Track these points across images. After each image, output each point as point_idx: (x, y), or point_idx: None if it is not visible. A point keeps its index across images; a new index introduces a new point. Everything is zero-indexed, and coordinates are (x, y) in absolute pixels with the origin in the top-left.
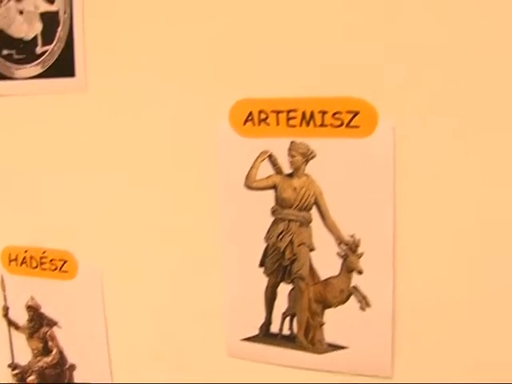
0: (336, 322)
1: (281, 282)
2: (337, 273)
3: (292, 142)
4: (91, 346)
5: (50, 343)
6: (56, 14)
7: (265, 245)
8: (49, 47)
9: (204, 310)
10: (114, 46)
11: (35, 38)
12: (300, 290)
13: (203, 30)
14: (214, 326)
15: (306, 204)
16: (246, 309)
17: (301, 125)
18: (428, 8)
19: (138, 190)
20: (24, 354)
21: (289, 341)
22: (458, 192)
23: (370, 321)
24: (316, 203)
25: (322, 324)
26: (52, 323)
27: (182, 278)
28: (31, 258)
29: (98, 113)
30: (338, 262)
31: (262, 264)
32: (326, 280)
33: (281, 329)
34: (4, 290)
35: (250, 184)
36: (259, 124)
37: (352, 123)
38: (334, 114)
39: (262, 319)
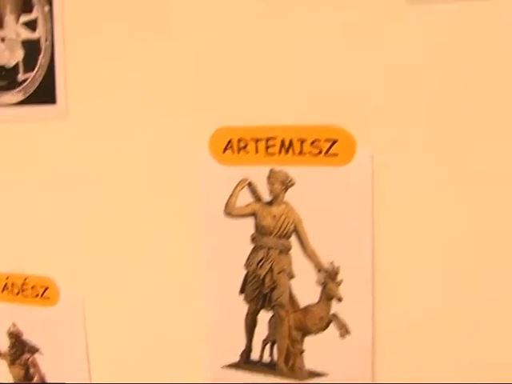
0: (316, 349)
1: (261, 309)
2: (316, 300)
3: (271, 170)
4: (73, 372)
5: (31, 370)
6: (37, 41)
7: (245, 272)
8: (30, 74)
9: (185, 337)
10: (95, 73)
11: (17, 65)
12: (280, 317)
13: (183, 58)
14: (195, 353)
15: (285, 231)
16: (227, 336)
17: (280, 153)
18: (405, 38)
19: (119, 217)
20: (6, 381)
21: (269, 368)
22: (435, 219)
23: (350, 348)
24: (295, 231)
25: (302, 351)
26: (34, 350)
27: (163, 305)
28: (13, 284)
29: (78, 140)
30: (318, 289)
31: (242, 291)
32: (306, 307)
33: (261, 356)
34: None
35: (229, 212)
36: (239, 152)
37: (330, 151)
38: (313, 142)
39: (242, 346)
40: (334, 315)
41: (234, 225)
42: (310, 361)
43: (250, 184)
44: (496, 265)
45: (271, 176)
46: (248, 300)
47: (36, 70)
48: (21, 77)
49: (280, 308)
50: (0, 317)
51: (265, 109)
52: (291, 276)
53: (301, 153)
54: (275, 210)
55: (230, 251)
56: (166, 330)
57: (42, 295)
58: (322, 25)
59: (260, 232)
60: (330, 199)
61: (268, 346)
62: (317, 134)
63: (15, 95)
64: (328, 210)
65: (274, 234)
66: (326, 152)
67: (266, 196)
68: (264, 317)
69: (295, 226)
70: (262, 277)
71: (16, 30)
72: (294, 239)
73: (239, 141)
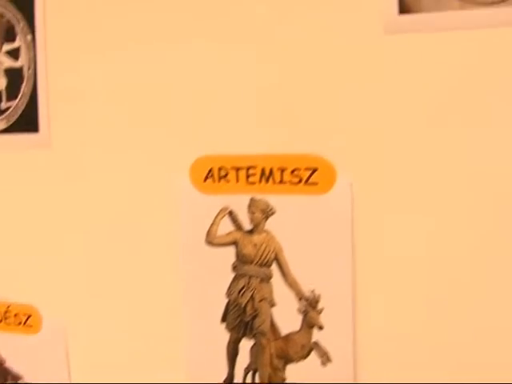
0: (297, 378)
1: (242, 337)
2: (298, 328)
3: (252, 199)
4: None
5: None
6: (20, 70)
7: (226, 300)
8: (13, 103)
9: (166, 366)
10: (78, 101)
11: None
12: (261, 345)
13: (164, 87)
14: (177, 381)
15: (266, 260)
16: (209, 364)
17: (260, 181)
18: (383, 67)
19: (101, 245)
20: None
21: None
22: (414, 246)
23: (332, 376)
24: (276, 259)
25: (283, 379)
26: (17, 377)
27: (145, 333)
28: None
29: (61, 168)
30: (299, 317)
31: (223, 319)
32: (287, 335)
33: None
34: None
35: (210, 240)
36: (219, 181)
37: (310, 180)
38: (293, 170)
39: (224, 374)
40: (316, 343)
41: (215, 253)
42: None
43: (230, 213)
44: (475, 290)
45: (252, 205)
46: (230, 328)
47: (19, 98)
48: (3, 105)
49: (261, 336)
50: None
51: (245, 138)
52: (272, 304)
53: (281, 181)
54: (256, 238)
55: (212, 280)
56: (147, 358)
57: (24, 323)
58: (301, 54)
59: (241, 260)
60: (311, 228)
61: (250, 374)
62: (297, 163)
63: None
64: (308, 238)
65: (255, 262)
66: (306, 181)
67: (247, 224)
68: (246, 345)
69: (276, 255)
70: (243, 305)
71: None
72: (275, 267)
73: (220, 169)
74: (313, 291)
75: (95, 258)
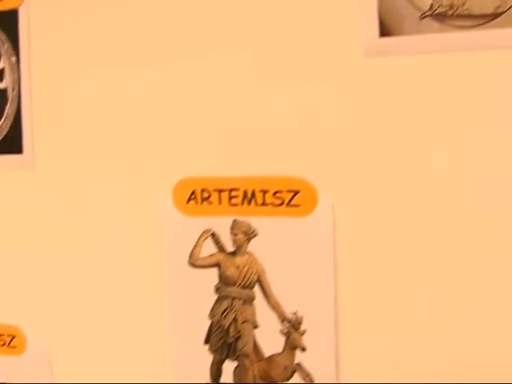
0: None
1: (226, 358)
2: (280, 350)
3: (234, 221)
4: None
5: None
6: (4, 91)
7: (209, 322)
8: None
9: None
10: (62, 123)
11: None
12: (245, 367)
13: (147, 109)
14: None
15: (248, 282)
16: None
17: (242, 203)
18: (363, 90)
19: (84, 267)
20: None
21: None
22: (396, 268)
23: None
24: (259, 281)
25: None
26: None
27: (128, 355)
28: None
29: (45, 190)
30: (282, 339)
31: (207, 341)
32: (270, 357)
33: None
34: None
35: (193, 262)
36: (202, 203)
37: (292, 202)
38: (275, 192)
39: None
40: (298, 365)
41: (198, 275)
42: None
43: (213, 234)
44: (458, 312)
45: (234, 226)
46: (213, 350)
47: (3, 119)
48: None
49: (244, 358)
50: None
51: (228, 160)
52: (255, 326)
53: (263, 203)
54: (239, 260)
55: (195, 301)
56: (132, 380)
57: (8, 344)
58: (282, 76)
59: (224, 282)
60: (293, 249)
61: None
62: (279, 185)
63: None
64: (291, 260)
65: (237, 284)
66: (288, 203)
67: (230, 246)
68: (229, 366)
69: (258, 277)
70: (226, 327)
71: None
72: (257, 289)
73: (202, 191)
74: (295, 313)
75: (79, 279)
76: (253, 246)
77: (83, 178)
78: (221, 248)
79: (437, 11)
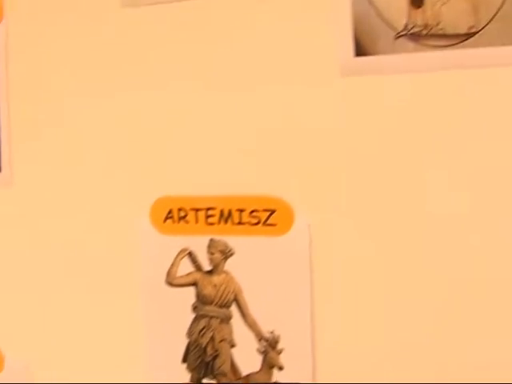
0: None
1: (203, 377)
2: (258, 369)
3: (211, 240)
4: None
5: None
6: None
7: (187, 341)
8: None
9: None
10: (40, 141)
11: None
12: None
13: (123, 129)
14: None
15: (225, 301)
16: None
17: (219, 222)
18: (336, 107)
19: (61, 286)
20: None
21: None
22: (373, 287)
23: None
24: (236, 300)
25: None
26: None
27: (107, 373)
28: None
29: (23, 207)
30: (259, 358)
31: (184, 360)
32: (248, 376)
33: None
34: None
35: (170, 281)
36: (179, 221)
37: (269, 221)
38: (252, 212)
39: None
40: None
41: (176, 294)
42: None
43: (190, 253)
44: (428, 327)
45: (211, 245)
46: (190, 369)
47: None
48: None
49: (222, 376)
50: None
51: (204, 179)
52: (232, 345)
53: (240, 223)
54: (216, 279)
55: (172, 320)
56: None
57: None
58: (258, 96)
59: (201, 301)
60: (270, 269)
61: None
62: (255, 204)
63: None
64: (268, 279)
65: (214, 303)
66: (265, 222)
67: (207, 265)
68: None
69: (235, 296)
70: (203, 346)
71: None
72: (234, 308)
73: (179, 210)
74: (272, 332)
75: (57, 297)
76: (230, 265)
77: (61, 196)
78: (198, 267)
79: (411, 31)
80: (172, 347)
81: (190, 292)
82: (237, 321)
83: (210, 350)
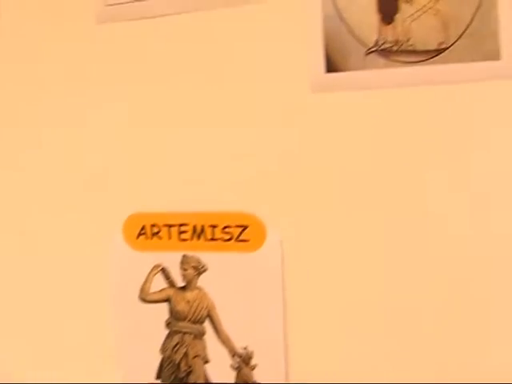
0: None
1: None
2: None
3: (184, 256)
4: None
5: None
6: None
7: (161, 357)
8: None
9: None
10: (12, 160)
11: None
12: None
13: (96, 146)
14: None
15: (199, 317)
16: None
17: (192, 239)
18: (310, 125)
19: (34, 302)
20: None
21: None
22: (345, 301)
23: None
24: (209, 316)
25: None
26: None
27: None
28: None
29: None
30: (233, 373)
31: (158, 376)
32: None
33: None
34: None
35: (144, 297)
36: (152, 238)
37: (241, 237)
38: (224, 228)
39: None
40: None
41: (149, 310)
42: None
43: (163, 269)
44: (403, 341)
45: (184, 261)
46: None
47: None
48: None
49: None
50: None
51: (177, 195)
52: (206, 360)
53: (212, 238)
54: (189, 295)
55: (146, 336)
56: None
57: None
58: (228, 112)
59: (175, 317)
60: (242, 284)
61: None
62: (228, 221)
63: None
64: (240, 295)
65: (188, 319)
66: (237, 238)
67: (180, 281)
68: None
69: (209, 311)
70: (177, 361)
71: None
72: (207, 324)
73: (152, 226)
74: (246, 348)
75: (29, 314)
76: (202, 281)
77: (33, 213)
78: (171, 283)
79: (382, 47)
80: (146, 363)
81: (164, 308)
82: (210, 337)
83: (183, 366)
